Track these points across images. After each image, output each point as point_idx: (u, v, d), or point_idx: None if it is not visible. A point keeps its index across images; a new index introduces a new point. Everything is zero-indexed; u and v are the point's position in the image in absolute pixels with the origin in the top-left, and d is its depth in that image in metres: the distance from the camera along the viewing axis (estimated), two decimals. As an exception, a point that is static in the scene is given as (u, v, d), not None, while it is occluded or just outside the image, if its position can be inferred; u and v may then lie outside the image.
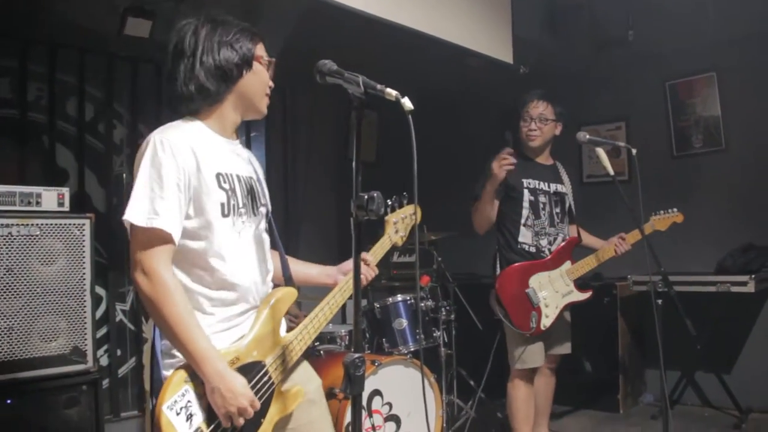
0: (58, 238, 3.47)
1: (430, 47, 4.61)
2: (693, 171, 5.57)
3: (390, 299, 4.33)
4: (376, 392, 3.73)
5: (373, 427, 3.70)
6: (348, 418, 3.46)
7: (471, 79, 5.67)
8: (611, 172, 3.56)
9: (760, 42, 5.16)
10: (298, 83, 6.01)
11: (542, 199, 3.91)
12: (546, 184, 3.96)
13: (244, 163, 2.23)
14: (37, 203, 3.48)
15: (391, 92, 1.77)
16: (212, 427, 1.92)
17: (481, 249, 4.32)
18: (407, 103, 1.75)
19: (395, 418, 3.81)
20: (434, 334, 4.52)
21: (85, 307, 3.55)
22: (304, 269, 2.53)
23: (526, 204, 3.86)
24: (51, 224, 3.46)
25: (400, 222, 2.70)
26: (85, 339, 3.54)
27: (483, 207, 3.86)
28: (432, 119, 5.93)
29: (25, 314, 3.33)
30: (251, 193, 2.18)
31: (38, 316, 3.37)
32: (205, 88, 2.06)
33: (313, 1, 3.73)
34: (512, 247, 3.87)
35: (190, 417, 1.88)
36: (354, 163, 1.82)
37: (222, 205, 2.04)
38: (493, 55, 4.91)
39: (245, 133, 5.91)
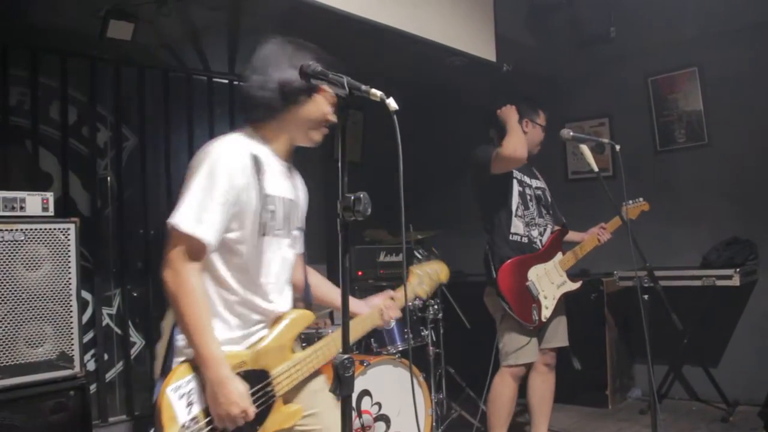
0: (43, 243, 3.45)
1: (414, 46, 4.61)
2: (676, 166, 5.61)
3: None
4: (366, 392, 3.73)
5: (363, 428, 3.70)
6: (338, 418, 3.46)
7: (455, 78, 5.68)
8: (595, 168, 3.58)
9: (740, 36, 5.20)
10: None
11: (528, 191, 3.96)
12: (528, 178, 4.02)
13: (291, 187, 2.33)
14: (21, 208, 3.45)
15: (376, 93, 1.78)
16: (209, 419, 2.00)
17: (467, 247, 4.34)
18: (392, 103, 1.76)
19: (385, 418, 3.81)
20: (422, 333, 4.52)
21: (71, 311, 3.52)
22: (331, 293, 2.63)
23: (515, 194, 3.87)
24: (35, 229, 3.43)
25: (426, 276, 2.82)
26: (72, 344, 3.51)
27: (520, 134, 3.81)
28: (417, 119, 5.94)
29: (11, 320, 3.30)
30: (290, 216, 2.29)
31: (24, 321, 3.34)
32: (268, 101, 2.17)
33: (297, 1, 3.71)
34: (505, 239, 3.85)
35: (190, 404, 1.98)
36: (340, 164, 1.82)
37: (262, 225, 2.15)
38: (476, 54, 4.92)
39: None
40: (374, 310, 2.57)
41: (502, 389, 3.85)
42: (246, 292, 2.16)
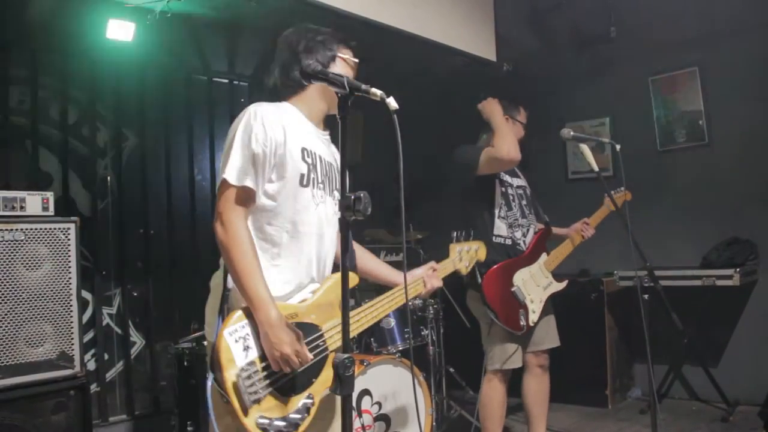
0: (43, 243, 3.45)
1: (414, 46, 4.61)
2: (677, 166, 5.60)
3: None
4: (366, 392, 3.73)
5: (363, 428, 3.70)
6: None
7: (455, 78, 5.68)
8: (596, 168, 3.58)
9: (741, 36, 5.19)
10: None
11: (510, 191, 3.89)
12: (509, 177, 3.94)
13: (328, 150, 2.41)
14: (21, 208, 3.46)
15: (376, 92, 1.78)
16: (264, 364, 2.05)
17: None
18: (392, 102, 1.76)
19: (385, 418, 3.81)
20: (422, 333, 4.52)
21: (71, 311, 3.52)
22: (374, 264, 2.74)
23: (498, 195, 3.80)
24: (35, 229, 3.43)
25: (465, 252, 2.98)
26: (72, 344, 3.51)
27: (511, 134, 3.74)
28: (417, 118, 5.94)
29: (11, 320, 3.30)
30: (329, 175, 2.36)
31: (24, 321, 3.35)
32: (291, 77, 2.32)
33: (298, 0, 3.72)
34: (488, 242, 3.67)
35: (246, 348, 2.03)
36: (340, 164, 1.83)
37: (302, 175, 2.23)
38: (477, 53, 4.93)
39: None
40: (417, 278, 2.67)
41: (492, 394, 3.81)
42: (293, 244, 2.22)
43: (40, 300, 3.41)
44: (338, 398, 2.32)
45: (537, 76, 5.83)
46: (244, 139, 2.14)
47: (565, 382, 4.10)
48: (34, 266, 3.41)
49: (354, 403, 3.62)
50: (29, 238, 3.41)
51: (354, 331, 2.37)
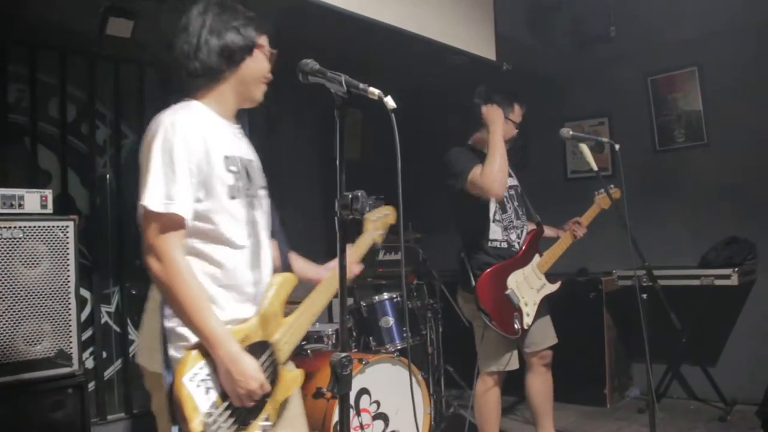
0: (42, 241, 3.45)
1: (414, 45, 4.61)
2: (676, 165, 5.60)
3: (376, 297, 4.34)
4: (364, 391, 3.73)
5: (361, 426, 3.70)
6: (336, 417, 3.46)
7: (454, 77, 5.67)
8: (595, 167, 3.58)
9: (740, 36, 5.19)
10: (282, 81, 5.99)
11: (504, 193, 3.81)
12: None
13: (245, 146, 2.29)
14: (20, 206, 3.45)
15: (374, 91, 1.78)
16: (227, 403, 1.96)
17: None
18: (390, 101, 1.76)
19: (383, 417, 3.81)
20: (421, 332, 4.53)
21: (69, 309, 3.52)
22: (296, 263, 2.58)
23: (493, 199, 3.75)
24: (34, 227, 3.43)
25: (379, 221, 2.83)
26: (70, 342, 3.51)
27: (503, 161, 3.63)
28: (416, 117, 5.94)
29: (9, 318, 3.30)
30: (252, 175, 2.24)
31: (22, 319, 3.35)
32: (209, 66, 2.13)
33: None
34: (482, 246, 3.75)
35: (207, 390, 1.92)
36: (338, 163, 1.82)
37: (230, 187, 2.09)
38: (476, 53, 4.92)
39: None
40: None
41: (487, 395, 3.81)
42: (230, 262, 2.08)
43: (39, 298, 3.41)
44: (296, 404, 2.31)
45: (536, 75, 5.83)
46: (164, 158, 1.95)
47: (563, 381, 4.09)
48: (33, 264, 3.41)
49: (352, 402, 3.62)
50: (28, 235, 3.41)
51: (296, 338, 2.27)
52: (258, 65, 2.25)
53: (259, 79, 2.27)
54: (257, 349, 2.07)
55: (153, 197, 1.93)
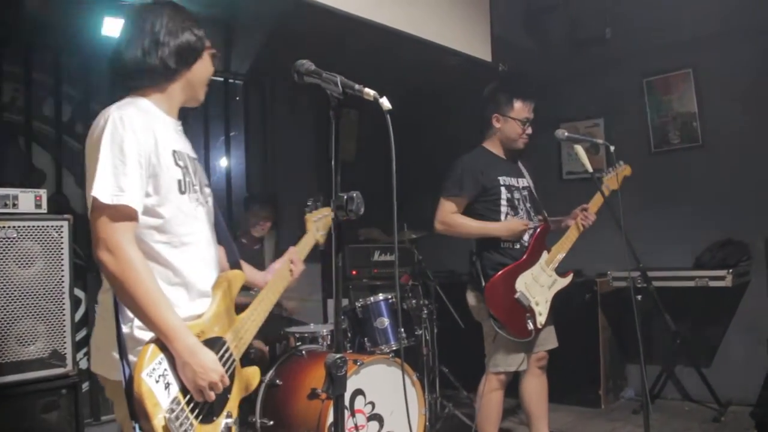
0: (36, 241, 3.44)
1: (410, 46, 4.61)
2: (671, 167, 5.61)
3: (371, 298, 4.33)
4: (359, 392, 3.72)
5: (356, 427, 3.69)
6: (331, 418, 3.46)
7: (450, 78, 5.68)
8: (590, 168, 3.58)
9: (735, 39, 5.21)
10: (278, 82, 5.99)
11: (516, 195, 3.83)
12: (516, 180, 3.89)
13: (187, 145, 2.26)
14: (14, 205, 3.44)
15: (369, 92, 1.78)
16: (188, 397, 1.93)
17: (459, 247, 4.32)
18: (385, 102, 1.76)
19: (378, 418, 3.81)
20: (416, 333, 4.52)
21: (63, 309, 3.51)
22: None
23: (504, 201, 3.77)
24: (28, 226, 3.42)
25: (321, 221, 2.85)
26: (64, 342, 3.50)
27: (472, 232, 3.78)
28: (411, 118, 5.94)
29: (3, 318, 3.29)
30: (198, 172, 2.23)
31: (16, 319, 3.33)
32: (166, 65, 2.12)
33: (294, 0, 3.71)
34: (496, 248, 3.75)
35: (167, 385, 1.88)
36: (333, 164, 1.82)
37: (179, 182, 2.07)
38: (472, 54, 4.94)
39: (224, 132, 5.88)
40: (282, 270, 2.56)
41: (491, 395, 3.80)
42: (179, 258, 2.06)
43: (33, 298, 3.40)
44: None
45: (532, 76, 5.84)
46: (114, 150, 1.91)
47: (558, 382, 4.09)
48: (27, 264, 3.40)
49: (347, 403, 3.62)
50: (22, 235, 3.39)
51: (249, 335, 2.26)
52: (206, 66, 2.26)
53: (205, 80, 2.28)
54: (213, 344, 2.04)
55: (103, 189, 1.89)
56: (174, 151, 2.08)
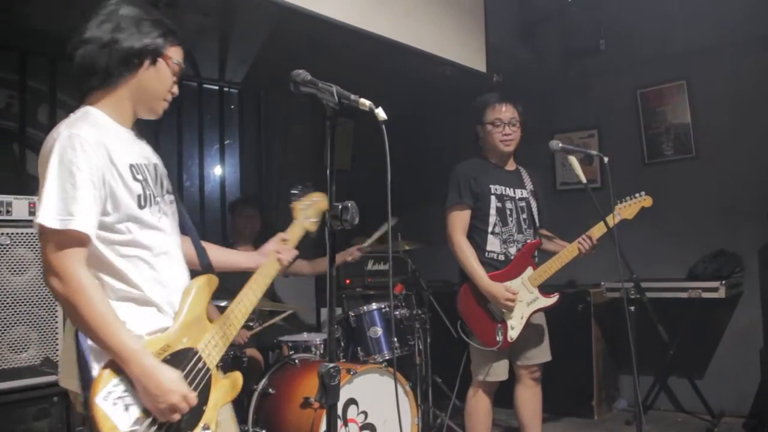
0: (29, 247, 3.42)
1: (405, 56, 4.62)
2: (664, 178, 5.63)
3: (365, 307, 4.33)
4: (352, 401, 3.72)
5: (349, 436, 3.68)
6: (323, 427, 3.45)
7: (445, 88, 5.70)
8: (584, 179, 3.59)
9: (729, 51, 5.24)
10: (273, 90, 6.00)
11: (509, 205, 3.81)
12: (512, 190, 3.85)
13: (147, 151, 2.19)
14: (7, 212, 3.43)
15: (365, 102, 1.79)
16: (152, 418, 1.86)
17: (453, 257, 4.32)
18: (381, 113, 1.76)
19: (371, 427, 3.80)
20: (409, 342, 4.52)
21: (56, 317, 3.50)
22: (226, 256, 2.52)
23: (493, 211, 3.75)
24: (21, 233, 3.41)
25: (310, 208, 2.73)
26: (57, 350, 3.48)
27: (465, 265, 3.74)
28: (406, 128, 5.95)
29: (-5, 325, 3.28)
30: (159, 180, 2.15)
31: (8, 326, 3.32)
32: (105, 67, 2.02)
33: (289, 9, 3.72)
34: (481, 256, 3.74)
35: (127, 407, 1.83)
36: (328, 173, 1.82)
37: (139, 196, 2.01)
38: (467, 64, 4.95)
39: (219, 141, 5.88)
40: (270, 257, 2.48)
41: (477, 404, 3.81)
42: (146, 274, 2.00)
43: (25, 305, 3.38)
44: (225, 409, 2.21)
45: (526, 86, 5.85)
46: (61, 173, 1.83)
47: (551, 393, 4.10)
48: (20, 271, 3.39)
49: (340, 412, 3.61)
50: (15, 242, 3.38)
51: (225, 340, 2.18)
52: (159, 76, 2.11)
53: (160, 91, 2.14)
54: (182, 357, 1.99)
55: (49, 214, 1.81)
56: (131, 165, 2.01)
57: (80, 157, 1.85)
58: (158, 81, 2.12)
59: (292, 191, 2.71)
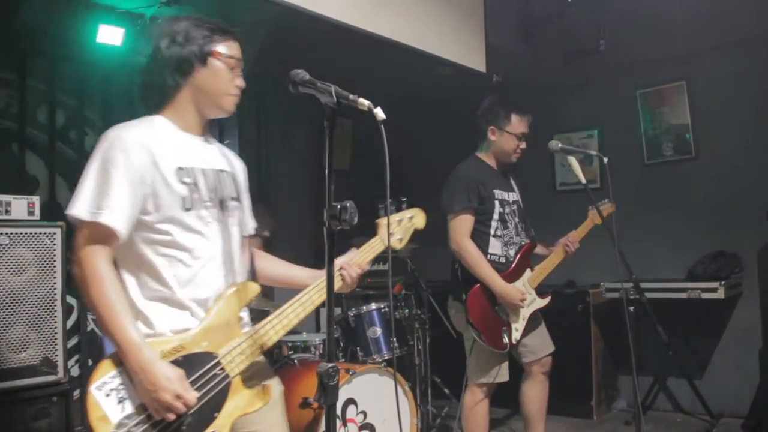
0: (28, 247, 3.43)
1: (404, 55, 4.62)
2: (664, 178, 5.63)
3: (364, 307, 4.33)
4: (351, 401, 3.71)
5: (348, 436, 3.68)
6: (322, 427, 3.45)
7: (444, 88, 5.70)
8: (583, 180, 3.59)
9: (728, 51, 5.24)
10: (272, 90, 5.99)
11: (507, 209, 3.85)
12: (507, 194, 3.89)
13: (213, 157, 2.22)
14: (7, 212, 3.44)
15: (364, 102, 1.79)
16: (147, 413, 1.87)
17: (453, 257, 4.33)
18: (379, 113, 1.76)
19: (370, 427, 3.80)
20: (408, 342, 4.52)
21: (55, 317, 3.50)
22: (289, 270, 2.49)
23: (496, 216, 3.78)
24: (21, 233, 3.41)
25: (397, 225, 2.65)
26: (56, 349, 3.49)
27: (476, 271, 3.71)
28: (406, 128, 5.95)
29: (-6, 325, 3.28)
30: (219, 186, 2.16)
31: (7, 326, 3.32)
32: (161, 80, 2.10)
33: (289, 9, 3.71)
34: None
35: (122, 400, 1.85)
36: (327, 173, 1.82)
37: (183, 198, 2.03)
38: (467, 64, 4.95)
39: (218, 140, 5.87)
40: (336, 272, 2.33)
41: (475, 406, 3.81)
42: (181, 276, 2.03)
43: (24, 305, 3.39)
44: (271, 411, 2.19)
45: (526, 87, 5.86)
46: (99, 169, 1.95)
47: (550, 393, 4.09)
48: (19, 271, 3.39)
49: (339, 412, 3.61)
50: (14, 242, 3.38)
51: (255, 351, 2.12)
52: (215, 74, 2.14)
53: (221, 88, 2.17)
54: (197, 360, 1.98)
55: (80, 205, 1.92)
56: (179, 168, 2.04)
57: (119, 156, 1.94)
58: (214, 79, 2.15)
59: (380, 205, 2.57)
